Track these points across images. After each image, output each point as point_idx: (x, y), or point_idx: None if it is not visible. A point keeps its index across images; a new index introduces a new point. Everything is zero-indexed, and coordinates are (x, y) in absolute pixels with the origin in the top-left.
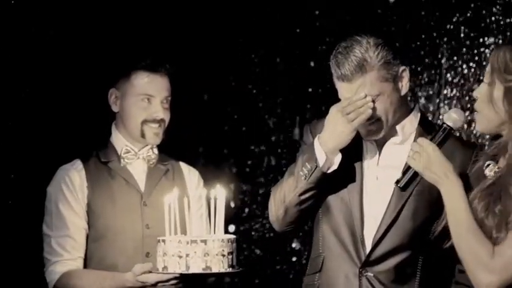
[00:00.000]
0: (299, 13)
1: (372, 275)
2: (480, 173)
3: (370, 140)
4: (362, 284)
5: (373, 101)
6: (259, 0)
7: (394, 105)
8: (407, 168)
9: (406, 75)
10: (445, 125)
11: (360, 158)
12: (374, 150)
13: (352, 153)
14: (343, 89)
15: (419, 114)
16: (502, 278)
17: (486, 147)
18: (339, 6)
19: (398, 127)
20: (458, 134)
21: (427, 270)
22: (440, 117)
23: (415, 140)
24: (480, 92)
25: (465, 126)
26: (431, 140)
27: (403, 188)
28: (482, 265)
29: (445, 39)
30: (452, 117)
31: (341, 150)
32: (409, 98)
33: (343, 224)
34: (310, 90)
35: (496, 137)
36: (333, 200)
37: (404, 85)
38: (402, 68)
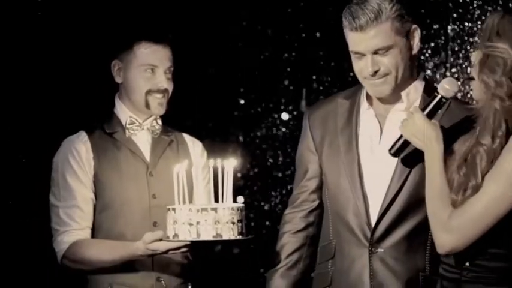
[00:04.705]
0: None
1: (382, 250)
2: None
3: (378, 98)
4: (373, 263)
5: (385, 53)
6: None
7: (404, 62)
8: (400, 135)
9: (417, 35)
10: (437, 95)
11: (355, 134)
12: (374, 123)
13: (346, 132)
14: (356, 39)
15: (424, 82)
16: (457, 239)
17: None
18: None
19: (403, 93)
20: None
21: None
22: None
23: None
24: (472, 57)
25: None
26: (423, 109)
27: (395, 154)
28: (441, 225)
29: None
30: (444, 87)
31: (334, 131)
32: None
33: (348, 207)
34: (316, 61)
35: None
36: (334, 186)
37: (416, 44)
38: (414, 26)
